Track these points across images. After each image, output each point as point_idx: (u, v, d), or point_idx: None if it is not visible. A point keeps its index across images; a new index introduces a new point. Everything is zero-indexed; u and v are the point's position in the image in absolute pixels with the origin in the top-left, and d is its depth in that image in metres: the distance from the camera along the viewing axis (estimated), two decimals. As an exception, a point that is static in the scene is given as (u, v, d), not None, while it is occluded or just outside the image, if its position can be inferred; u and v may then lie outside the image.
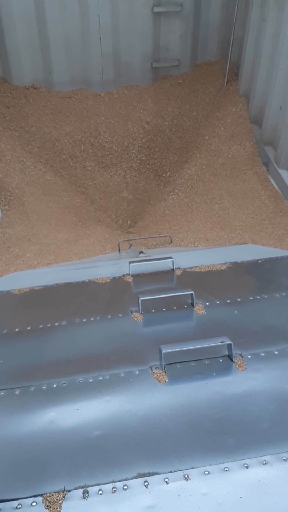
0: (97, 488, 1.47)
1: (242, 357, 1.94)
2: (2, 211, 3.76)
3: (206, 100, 4.94)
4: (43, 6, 4.42)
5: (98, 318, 2.28)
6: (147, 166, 4.86)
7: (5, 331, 2.23)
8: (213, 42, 5.14)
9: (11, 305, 2.48)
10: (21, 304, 2.48)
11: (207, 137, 4.61)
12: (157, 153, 4.85)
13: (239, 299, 2.38)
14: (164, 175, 4.82)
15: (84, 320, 2.27)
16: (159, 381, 1.85)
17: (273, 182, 4.00)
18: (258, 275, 2.67)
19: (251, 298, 2.39)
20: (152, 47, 4.97)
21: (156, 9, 4.70)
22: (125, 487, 1.47)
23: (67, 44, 4.72)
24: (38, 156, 4.46)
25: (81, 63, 4.87)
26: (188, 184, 4.41)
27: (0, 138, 4.32)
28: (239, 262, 2.76)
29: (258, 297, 2.40)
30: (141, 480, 1.49)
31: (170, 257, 2.71)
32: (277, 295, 2.42)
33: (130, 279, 2.63)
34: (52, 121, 4.66)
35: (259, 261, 2.77)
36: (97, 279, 2.63)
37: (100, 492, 1.46)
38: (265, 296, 2.40)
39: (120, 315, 2.30)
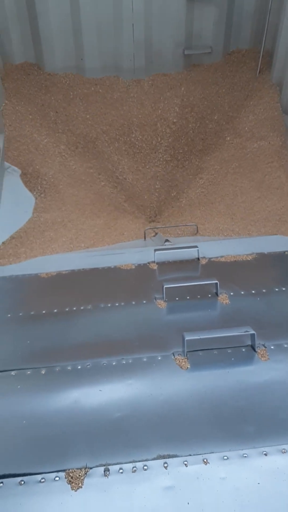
0: (118, 466, 1.51)
1: (265, 347, 1.95)
2: (36, 198, 3.80)
3: (238, 89, 4.88)
4: (76, -8, 4.42)
5: (122, 303, 2.32)
6: (175, 159, 4.86)
7: (32, 313, 2.29)
8: (247, 29, 5.03)
9: (38, 288, 2.54)
10: (48, 288, 2.53)
11: (227, 137, 4.58)
12: (181, 154, 4.86)
13: (264, 290, 2.37)
14: (188, 167, 4.80)
15: (109, 305, 2.31)
16: (181, 367, 1.87)
17: None
18: (285, 267, 2.65)
19: (276, 289, 2.37)
20: (184, 34, 4.90)
21: (190, -5, 4.65)
22: (145, 467, 1.51)
23: (99, 30, 4.71)
24: (81, 155, 4.54)
25: (113, 49, 4.85)
26: (212, 177, 4.39)
27: (46, 137, 4.40)
28: (266, 253, 2.74)
29: (283, 288, 2.38)
30: (161, 461, 1.52)
31: (196, 246, 2.72)
32: None
33: (155, 267, 2.65)
34: (91, 121, 4.71)
35: (287, 252, 2.75)
36: (122, 266, 2.66)
37: (121, 470, 1.50)
38: None
39: (144, 301, 2.33)
